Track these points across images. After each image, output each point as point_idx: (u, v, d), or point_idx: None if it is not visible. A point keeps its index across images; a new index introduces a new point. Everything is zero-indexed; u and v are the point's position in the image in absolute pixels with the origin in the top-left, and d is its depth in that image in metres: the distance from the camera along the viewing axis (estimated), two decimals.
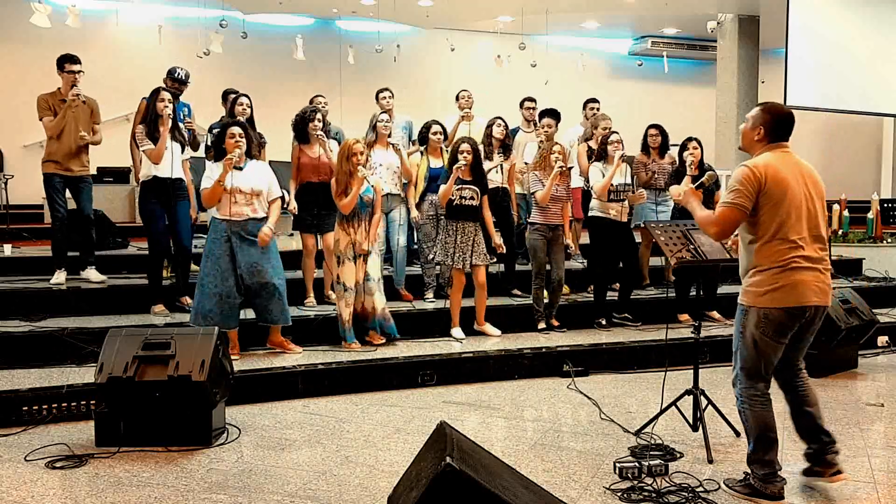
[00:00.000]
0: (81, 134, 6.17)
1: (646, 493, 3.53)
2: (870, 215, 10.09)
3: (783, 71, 10.77)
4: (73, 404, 4.62)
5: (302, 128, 6.28)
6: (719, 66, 12.38)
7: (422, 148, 6.80)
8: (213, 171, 5.26)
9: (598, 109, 7.77)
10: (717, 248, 4.35)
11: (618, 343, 6.18)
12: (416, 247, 7.11)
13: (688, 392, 4.36)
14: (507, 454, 4.03)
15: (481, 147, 6.64)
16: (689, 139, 6.80)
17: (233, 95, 6.91)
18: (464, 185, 5.98)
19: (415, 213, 6.57)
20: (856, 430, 4.58)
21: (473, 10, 12.44)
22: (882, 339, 6.83)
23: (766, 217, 3.36)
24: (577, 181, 7.25)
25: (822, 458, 3.57)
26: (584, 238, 7.75)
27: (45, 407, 4.57)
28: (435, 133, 6.59)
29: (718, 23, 12.30)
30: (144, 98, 6.02)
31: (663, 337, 5.15)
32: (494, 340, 6.12)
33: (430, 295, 6.78)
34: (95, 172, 6.69)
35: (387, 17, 12.32)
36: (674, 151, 7.24)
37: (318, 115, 6.34)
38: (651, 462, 3.77)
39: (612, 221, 6.54)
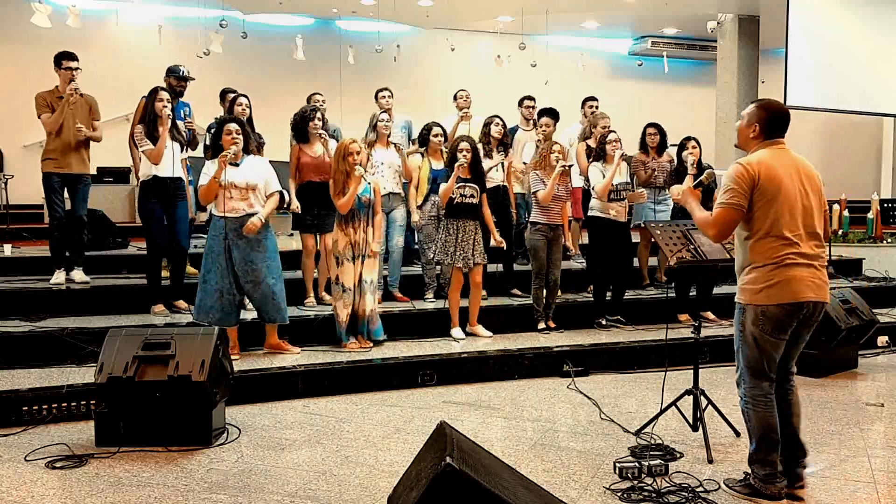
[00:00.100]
0: (78, 126, 6.15)
1: (646, 493, 3.53)
2: (870, 215, 10.09)
3: (783, 71, 10.77)
4: (73, 404, 4.61)
5: (302, 127, 6.28)
6: (719, 66, 12.38)
7: (422, 149, 6.79)
8: (210, 168, 5.26)
9: (596, 108, 7.78)
10: (716, 247, 4.35)
11: (618, 343, 6.18)
12: (416, 247, 7.11)
13: (688, 392, 4.36)
14: (506, 454, 4.03)
15: (480, 146, 6.64)
16: (688, 138, 6.81)
17: (231, 95, 6.91)
18: (464, 184, 5.98)
19: (416, 216, 6.56)
20: (856, 430, 4.58)
21: (473, 10, 12.44)
22: (882, 339, 6.83)
23: (761, 214, 3.35)
24: (577, 181, 7.24)
25: (791, 469, 3.54)
26: (584, 238, 7.76)
27: (45, 407, 4.56)
28: (436, 135, 6.59)
29: (718, 23, 12.30)
30: (144, 97, 6.02)
31: (663, 337, 5.15)
32: (495, 340, 6.11)
33: (430, 295, 6.77)
34: (95, 172, 6.67)
35: (387, 17, 12.32)
36: (672, 151, 7.25)
37: (319, 115, 6.34)
38: (651, 462, 3.77)
39: (611, 221, 6.54)
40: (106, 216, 8.00)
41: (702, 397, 4.31)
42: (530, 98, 7.80)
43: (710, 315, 6.86)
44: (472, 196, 6.03)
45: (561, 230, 6.42)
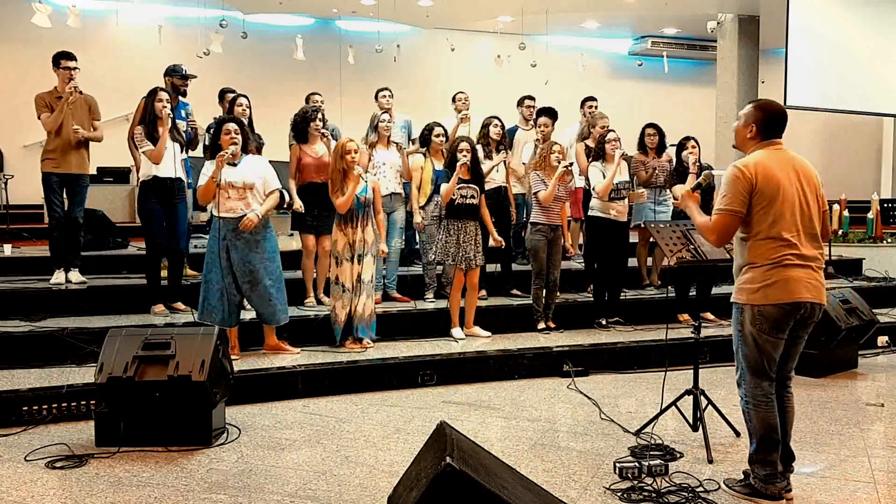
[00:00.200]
0: (75, 128, 6.14)
1: (646, 493, 3.53)
2: (870, 215, 10.10)
3: (783, 71, 10.77)
4: (73, 404, 4.62)
5: (303, 127, 6.27)
6: (719, 66, 12.38)
7: (423, 150, 6.79)
8: (208, 168, 5.26)
9: (595, 108, 7.77)
10: (716, 247, 4.35)
11: (618, 343, 6.18)
12: (417, 247, 7.10)
13: (688, 392, 4.36)
14: (506, 454, 4.03)
15: (480, 146, 6.65)
16: (687, 138, 6.82)
17: (230, 95, 6.91)
18: (464, 185, 5.98)
19: (418, 217, 6.55)
20: (856, 430, 4.58)
21: (473, 10, 12.44)
22: (882, 339, 6.84)
23: (759, 215, 3.36)
24: (578, 181, 7.24)
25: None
26: (582, 238, 7.76)
27: (45, 407, 4.56)
28: (437, 135, 6.58)
29: (718, 23, 12.29)
30: (144, 98, 6.01)
31: (663, 337, 5.15)
32: (495, 340, 6.11)
33: (430, 295, 6.77)
34: (95, 172, 6.67)
35: (387, 17, 12.32)
36: (670, 151, 7.26)
37: (320, 115, 6.34)
38: (651, 462, 3.77)
39: (611, 221, 6.54)
40: (106, 216, 8.00)
41: (702, 397, 4.31)
42: (530, 98, 7.80)
43: (709, 315, 6.86)
44: (472, 197, 6.03)
45: (560, 230, 6.42)
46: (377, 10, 11.85)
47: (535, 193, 6.31)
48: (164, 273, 6.29)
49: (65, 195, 6.34)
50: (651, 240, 6.23)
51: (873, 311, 6.25)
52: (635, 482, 3.66)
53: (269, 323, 5.46)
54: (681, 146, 6.81)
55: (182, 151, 6.12)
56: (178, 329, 4.52)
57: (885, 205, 10.31)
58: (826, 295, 3.50)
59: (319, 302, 6.43)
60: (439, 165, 6.49)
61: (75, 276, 6.37)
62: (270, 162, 5.57)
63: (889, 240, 9.95)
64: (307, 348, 5.68)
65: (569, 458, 4.07)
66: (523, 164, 7.25)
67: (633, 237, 7.34)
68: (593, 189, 6.60)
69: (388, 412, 4.90)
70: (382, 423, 4.67)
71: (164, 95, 5.83)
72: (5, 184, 8.62)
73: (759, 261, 3.37)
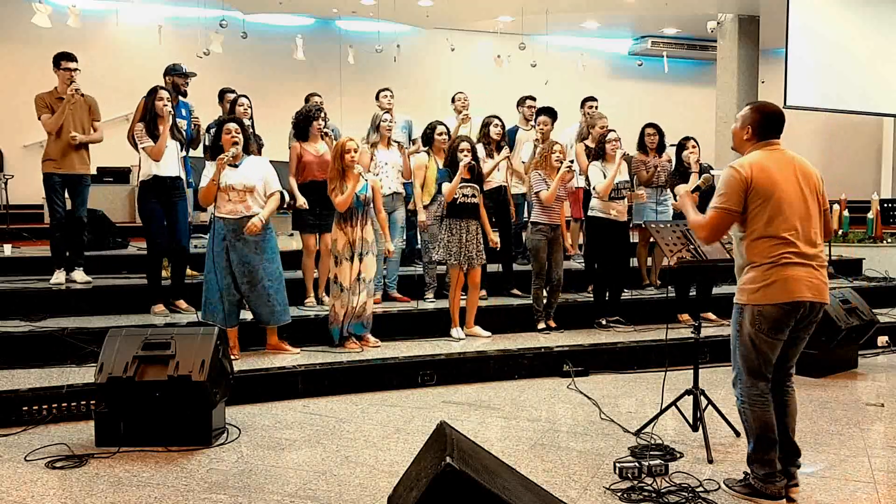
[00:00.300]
0: (73, 135, 6.15)
1: (646, 493, 3.53)
2: (870, 215, 10.09)
3: (783, 71, 10.77)
4: (73, 404, 4.61)
5: (305, 126, 6.27)
6: (719, 66, 12.38)
7: (425, 149, 6.78)
8: (209, 169, 5.26)
9: (596, 108, 7.78)
10: (716, 247, 4.35)
11: (618, 343, 6.18)
12: (419, 247, 7.10)
13: (688, 392, 4.36)
14: (506, 454, 4.03)
15: (480, 146, 6.65)
16: (687, 138, 6.82)
17: (230, 95, 6.91)
18: (465, 184, 5.99)
19: (422, 216, 6.54)
20: (856, 430, 4.58)
21: (473, 10, 12.44)
22: (882, 339, 6.84)
23: (756, 214, 3.36)
24: (578, 181, 7.24)
25: (784, 469, 3.53)
26: (582, 238, 7.76)
27: (45, 407, 4.56)
28: (440, 133, 6.59)
29: (718, 23, 12.30)
30: (144, 98, 6.02)
31: (663, 337, 5.15)
32: (495, 340, 6.11)
33: (430, 295, 6.77)
34: (95, 172, 6.67)
35: (387, 17, 12.32)
36: (670, 151, 7.26)
37: (323, 114, 6.35)
38: (651, 462, 3.77)
39: (611, 221, 6.55)
40: (106, 216, 8.00)
41: (702, 397, 4.31)
42: (531, 98, 7.80)
43: (710, 315, 6.85)
44: (473, 196, 6.04)
45: (559, 230, 6.43)
46: (377, 10, 11.85)
47: (536, 193, 6.30)
48: (164, 273, 6.30)
49: (67, 195, 6.35)
50: (651, 240, 6.23)
51: (873, 311, 6.25)
52: (635, 482, 3.66)
53: (268, 323, 5.45)
54: (681, 146, 6.82)
55: (182, 150, 6.12)
56: (178, 329, 4.52)
57: (885, 205, 10.31)
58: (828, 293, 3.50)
59: (320, 301, 6.43)
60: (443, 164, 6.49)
61: (80, 275, 6.38)
62: (270, 162, 5.57)
63: (889, 240, 9.95)
64: (307, 348, 5.68)
65: (569, 458, 4.07)
66: (523, 163, 7.26)
67: (634, 237, 7.35)
68: (593, 189, 6.60)
69: (388, 412, 4.90)
70: (382, 423, 4.67)
71: (164, 94, 5.84)
72: (5, 184, 8.62)
73: (758, 260, 3.37)
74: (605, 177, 6.47)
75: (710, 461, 3.99)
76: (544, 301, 6.49)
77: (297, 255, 6.55)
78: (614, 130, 6.68)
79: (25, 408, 4.53)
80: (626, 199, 6.64)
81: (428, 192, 6.54)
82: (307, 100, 7.31)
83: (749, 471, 3.56)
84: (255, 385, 5.07)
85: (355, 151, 5.60)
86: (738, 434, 4.35)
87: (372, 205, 5.75)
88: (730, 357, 3.61)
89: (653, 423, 4.44)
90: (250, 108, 6.65)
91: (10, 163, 11.38)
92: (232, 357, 4.90)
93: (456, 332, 6.16)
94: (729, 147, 3.68)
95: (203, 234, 7.61)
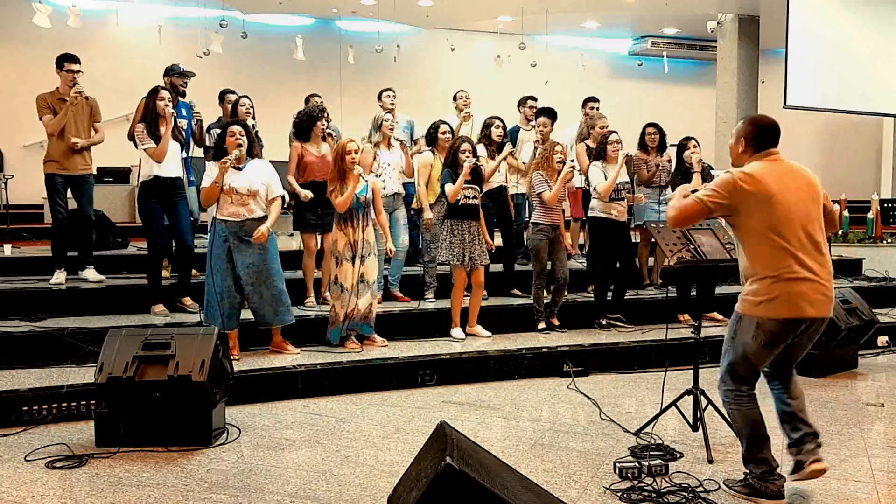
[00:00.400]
0: (74, 141, 6.16)
1: (646, 493, 3.53)
2: (870, 215, 10.09)
3: (783, 71, 10.77)
4: (73, 404, 4.61)
5: (308, 127, 6.27)
6: (719, 66, 12.39)
7: (427, 148, 6.78)
8: (213, 170, 5.26)
9: (597, 108, 7.78)
10: (716, 247, 4.36)
11: (618, 343, 6.18)
12: (421, 247, 7.11)
13: (688, 392, 4.36)
14: (506, 454, 4.03)
15: (481, 147, 6.66)
16: (688, 138, 6.82)
17: (233, 97, 6.92)
18: (466, 185, 5.99)
19: (429, 214, 6.53)
20: (856, 430, 4.58)
21: (473, 10, 12.44)
22: (882, 339, 6.84)
23: (756, 225, 3.35)
24: (578, 181, 7.24)
25: (801, 447, 3.53)
26: (582, 238, 7.76)
27: (45, 407, 4.56)
28: (444, 132, 6.59)
29: (718, 23, 12.30)
30: (144, 98, 6.02)
31: (663, 337, 5.15)
32: (495, 340, 6.11)
33: (430, 295, 6.77)
34: (95, 172, 6.68)
35: (387, 17, 12.33)
36: (670, 151, 7.26)
37: (326, 115, 6.36)
38: (651, 462, 3.77)
39: (612, 221, 6.55)
40: (106, 216, 8.00)
41: (702, 397, 4.31)
42: (532, 98, 7.80)
43: (716, 315, 6.86)
44: (474, 197, 6.05)
45: (560, 230, 6.43)
46: (377, 10, 11.85)
47: (538, 194, 6.29)
48: (165, 273, 6.30)
49: (70, 195, 6.37)
50: (653, 240, 6.24)
51: (873, 311, 6.25)
52: (635, 482, 3.66)
53: (271, 324, 5.46)
54: (682, 146, 6.81)
55: (182, 150, 6.13)
56: (178, 329, 4.51)
57: (885, 205, 10.30)
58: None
59: (324, 301, 6.43)
60: None
61: (92, 273, 6.41)
62: (270, 162, 5.57)
63: (889, 240, 9.94)
64: (307, 348, 5.68)
65: (569, 458, 4.07)
66: (523, 163, 7.26)
67: (635, 237, 7.35)
68: (594, 189, 6.60)
69: (388, 412, 4.90)
70: (382, 423, 4.67)
71: (165, 94, 5.84)
72: (5, 184, 8.62)
73: (762, 273, 3.36)
74: (605, 177, 6.47)
75: (710, 461, 3.99)
76: (545, 301, 6.48)
77: (297, 256, 6.55)
78: (616, 132, 6.69)
79: (25, 408, 4.53)
80: (625, 200, 6.64)
81: (433, 191, 6.54)
82: (307, 101, 7.31)
83: (747, 471, 3.57)
84: (255, 385, 5.07)
85: (356, 153, 5.60)
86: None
87: (372, 206, 5.75)
88: None
89: (653, 423, 4.44)
90: (252, 108, 6.65)
91: (10, 163, 11.38)
92: (232, 357, 4.90)
93: (456, 332, 6.16)
94: (729, 147, 3.67)
95: (204, 234, 7.60)
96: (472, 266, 6.04)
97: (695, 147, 6.73)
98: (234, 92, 7.12)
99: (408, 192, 6.93)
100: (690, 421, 4.36)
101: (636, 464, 3.75)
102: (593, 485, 3.69)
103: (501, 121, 6.89)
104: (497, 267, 6.96)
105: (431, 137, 6.68)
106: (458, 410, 4.97)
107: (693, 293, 6.84)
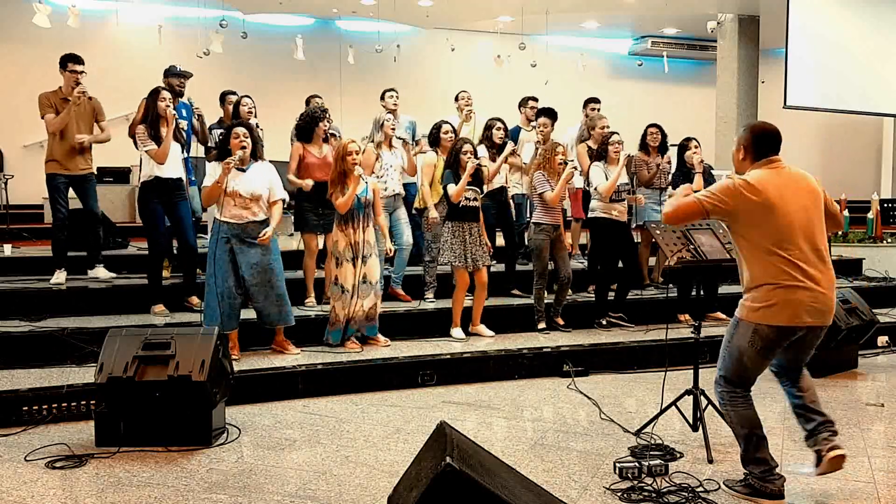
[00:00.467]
0: (80, 138, 6.17)
1: (646, 493, 3.53)
2: (870, 215, 10.09)
3: (783, 71, 10.77)
4: (73, 404, 4.61)
5: (310, 128, 6.27)
6: (719, 66, 12.38)
7: (429, 149, 6.78)
8: (215, 169, 5.26)
9: (598, 109, 7.78)
10: (717, 248, 4.36)
11: (618, 343, 6.18)
12: (423, 247, 7.10)
13: (688, 392, 4.36)
14: (507, 454, 4.03)
15: (483, 148, 6.67)
16: (689, 139, 6.82)
17: (233, 98, 6.92)
18: (467, 186, 5.99)
19: (434, 213, 6.52)
20: (856, 430, 4.58)
21: (473, 10, 12.44)
22: (882, 339, 6.83)
23: (756, 232, 3.35)
24: (578, 181, 7.25)
25: (817, 437, 3.53)
26: (583, 238, 7.76)
27: (45, 407, 4.56)
28: (446, 132, 6.59)
29: (718, 23, 12.30)
30: (146, 98, 6.02)
31: (663, 337, 5.15)
32: (495, 340, 6.12)
33: (430, 295, 6.78)
34: (95, 172, 6.69)
35: (387, 17, 12.33)
36: (671, 151, 7.26)
37: (328, 116, 6.37)
38: (651, 462, 3.77)
39: (613, 221, 6.55)
40: (106, 216, 8.00)
41: (702, 397, 4.31)
42: (534, 99, 7.80)
43: (719, 315, 6.86)
44: (474, 199, 6.06)
45: (561, 229, 6.44)
46: (377, 10, 11.85)
47: (540, 194, 6.29)
48: (165, 273, 6.30)
49: (72, 194, 6.39)
50: (654, 240, 6.25)
51: (873, 311, 6.25)
52: (635, 482, 3.66)
53: (276, 323, 5.46)
54: (683, 147, 6.82)
55: (183, 151, 6.13)
56: (178, 329, 4.51)
57: (885, 205, 10.30)
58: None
59: (326, 301, 6.43)
60: None
61: (103, 272, 6.45)
62: (270, 162, 5.57)
63: (889, 240, 9.94)
64: (307, 348, 5.68)
65: (569, 458, 4.07)
66: (524, 164, 7.26)
67: (636, 237, 7.35)
68: (595, 189, 6.59)
69: (388, 412, 4.90)
70: (382, 423, 4.67)
71: (166, 95, 5.84)
72: (5, 184, 8.62)
73: (762, 280, 3.36)
74: (606, 178, 6.47)
75: (710, 461, 3.99)
76: (547, 301, 6.48)
77: (297, 255, 6.55)
78: (617, 133, 6.69)
79: (25, 408, 4.53)
80: (625, 201, 6.64)
81: (437, 192, 6.54)
82: (308, 102, 7.31)
83: (747, 471, 3.57)
84: (255, 385, 5.07)
85: (357, 154, 5.61)
86: None
87: (372, 207, 5.75)
88: None
89: (653, 423, 4.44)
90: (254, 108, 6.66)
91: (10, 163, 11.38)
92: (232, 357, 4.90)
93: (456, 332, 6.16)
94: (728, 147, 3.68)
95: (204, 234, 7.60)
96: (475, 267, 6.05)
97: (696, 148, 6.73)
98: (234, 93, 7.12)
99: (409, 193, 6.93)
100: (690, 421, 4.36)
101: (636, 464, 3.75)
102: (593, 485, 3.69)
103: (503, 122, 6.90)
104: (497, 267, 6.96)
105: (434, 138, 6.68)
106: (458, 410, 4.97)
107: (695, 293, 6.84)
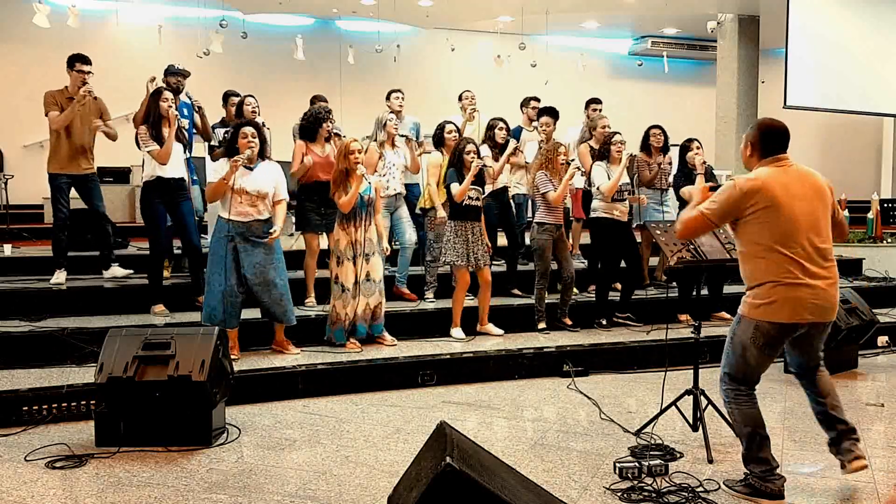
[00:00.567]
0: (97, 122, 6.23)
1: (646, 493, 3.53)
2: (870, 215, 10.08)
3: (783, 71, 10.77)
4: (73, 404, 4.62)
5: (314, 128, 6.28)
6: (719, 66, 12.38)
7: (433, 149, 6.78)
8: (221, 165, 5.27)
9: (600, 110, 7.79)
10: (717, 248, 4.36)
11: (618, 343, 6.18)
12: (427, 246, 7.09)
13: (688, 392, 4.36)
14: (507, 454, 4.03)
15: (486, 147, 6.67)
16: (691, 140, 6.82)
17: (236, 98, 6.93)
18: (470, 186, 6.00)
19: (441, 213, 6.49)
20: None
21: (473, 10, 12.44)
22: (882, 339, 6.83)
23: (759, 231, 3.35)
24: (578, 182, 7.24)
25: (839, 446, 3.59)
26: (584, 238, 7.76)
27: (45, 407, 4.57)
28: (450, 132, 6.60)
29: (718, 23, 12.30)
30: (148, 99, 6.02)
31: (663, 337, 5.15)
32: (495, 340, 6.12)
33: (430, 295, 6.77)
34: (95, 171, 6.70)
35: (387, 17, 12.33)
36: (673, 151, 7.26)
37: (332, 117, 6.38)
38: (651, 462, 3.77)
39: (615, 221, 6.55)
40: (106, 216, 7.99)
41: (702, 397, 4.31)
42: (535, 99, 7.80)
43: (724, 315, 6.86)
44: (476, 199, 6.06)
45: (562, 229, 6.45)
46: (377, 10, 11.85)
47: (543, 194, 6.29)
48: (165, 273, 6.30)
49: (74, 194, 6.40)
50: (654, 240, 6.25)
51: (873, 311, 6.25)
52: (635, 482, 3.66)
53: (281, 321, 5.47)
54: (685, 148, 6.82)
55: (185, 151, 6.13)
56: (178, 329, 4.51)
57: (885, 205, 10.30)
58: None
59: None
60: None
61: (119, 270, 6.49)
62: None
63: (889, 240, 9.94)
64: (307, 348, 5.68)
65: (569, 458, 4.07)
66: (526, 162, 7.26)
67: (637, 237, 7.34)
68: (597, 189, 6.58)
69: (388, 412, 4.90)
70: (382, 423, 4.67)
71: (168, 95, 5.85)
72: (5, 184, 8.62)
73: (762, 277, 3.38)
74: (609, 178, 6.47)
75: (710, 461, 3.99)
76: (548, 301, 6.48)
77: (297, 255, 6.55)
78: (619, 133, 6.69)
79: (25, 408, 4.54)
80: (626, 201, 6.64)
81: (443, 191, 6.54)
82: (313, 102, 7.31)
83: (748, 471, 3.57)
84: (255, 385, 5.07)
85: (359, 152, 5.62)
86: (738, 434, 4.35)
87: (373, 206, 5.76)
88: None
89: (653, 423, 4.44)
90: (258, 108, 6.67)
91: (10, 163, 11.38)
92: (232, 357, 4.90)
93: (456, 332, 6.16)
94: (729, 147, 3.70)
95: (205, 234, 7.59)
96: (477, 266, 6.05)
97: (698, 149, 6.73)
98: (237, 94, 7.13)
99: (411, 193, 6.94)
100: (690, 421, 4.36)
101: (636, 464, 3.75)
102: (593, 485, 3.69)
103: (505, 122, 6.90)
104: (496, 267, 6.96)
105: (438, 138, 6.69)
106: (458, 410, 4.97)
107: (696, 293, 6.84)
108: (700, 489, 3.59)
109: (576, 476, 3.81)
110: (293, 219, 6.78)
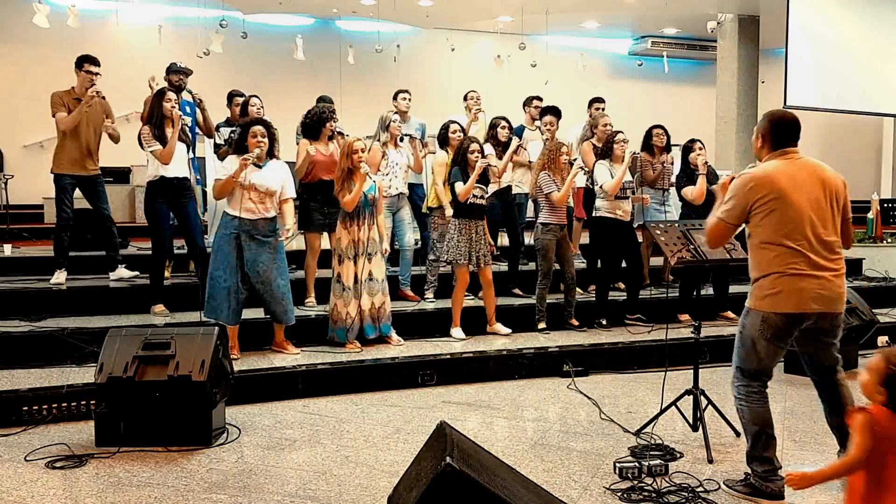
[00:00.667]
0: (107, 123, 6.27)
1: (646, 493, 3.53)
2: (870, 215, 10.09)
3: (783, 71, 10.76)
4: (73, 404, 4.62)
5: (317, 127, 6.28)
6: (719, 66, 12.38)
7: (445, 148, 6.77)
8: (229, 163, 5.28)
9: (602, 109, 7.79)
10: (717, 248, 4.35)
11: (618, 343, 6.18)
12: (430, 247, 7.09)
13: (688, 392, 4.36)
14: (507, 454, 4.04)
15: (489, 146, 6.67)
16: (693, 140, 6.83)
17: (240, 98, 6.94)
18: (475, 185, 6.00)
19: (449, 212, 6.46)
20: None
21: (473, 10, 12.44)
22: (882, 339, 6.82)
23: (766, 223, 3.37)
24: (580, 181, 7.24)
25: None
26: (583, 238, 7.76)
27: (45, 407, 4.57)
28: (454, 132, 6.61)
29: (718, 23, 12.29)
30: (151, 99, 6.02)
31: (663, 337, 5.15)
32: (494, 340, 6.11)
33: (430, 295, 6.77)
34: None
35: (387, 17, 12.32)
36: (674, 152, 7.26)
37: (336, 116, 6.39)
38: (651, 462, 3.77)
39: (617, 221, 6.55)
40: (111, 218, 7.99)
41: (702, 397, 4.31)
42: (538, 98, 7.81)
43: (730, 314, 6.86)
44: (481, 197, 6.07)
45: (565, 229, 6.45)
46: (377, 10, 11.85)
47: (546, 194, 6.28)
48: (166, 273, 6.29)
49: (78, 194, 6.40)
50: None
51: (873, 311, 6.24)
52: (635, 482, 3.66)
53: (281, 321, 5.47)
54: (687, 148, 6.82)
55: (188, 151, 6.14)
56: (178, 329, 4.52)
57: (885, 205, 10.31)
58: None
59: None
60: None
61: (126, 272, 6.49)
62: None
63: (889, 240, 9.94)
64: (307, 348, 5.68)
65: (569, 458, 4.07)
66: (530, 161, 7.27)
67: (638, 237, 7.34)
68: (601, 187, 6.57)
69: (388, 412, 4.90)
70: (382, 423, 4.67)
71: (171, 95, 5.86)
72: (5, 184, 8.63)
73: (768, 269, 3.39)
74: (612, 176, 6.47)
75: (710, 461, 3.99)
76: (550, 302, 6.48)
77: (297, 255, 6.55)
78: (622, 131, 6.70)
79: (25, 408, 4.54)
80: (629, 200, 6.64)
81: (448, 191, 6.54)
82: (318, 101, 7.31)
83: (749, 470, 3.57)
84: (255, 385, 5.07)
85: (363, 151, 5.62)
86: (738, 434, 4.35)
87: (377, 205, 5.77)
88: (730, 357, 3.63)
89: (653, 423, 4.44)
90: (262, 107, 6.68)
91: (10, 163, 11.38)
92: (232, 357, 4.90)
93: (456, 332, 6.16)
94: (729, 147, 3.71)
95: (204, 233, 7.59)
96: (479, 265, 6.05)
97: (701, 149, 6.73)
98: (241, 94, 7.14)
99: (414, 193, 6.93)
100: (690, 421, 4.36)
101: (636, 464, 3.75)
102: (593, 485, 3.69)
103: (508, 121, 6.91)
104: (496, 266, 6.95)
105: (443, 138, 6.70)
106: (459, 410, 4.97)
107: (696, 294, 6.84)
108: (700, 489, 3.59)
109: (576, 476, 3.81)
110: (295, 218, 6.77)
